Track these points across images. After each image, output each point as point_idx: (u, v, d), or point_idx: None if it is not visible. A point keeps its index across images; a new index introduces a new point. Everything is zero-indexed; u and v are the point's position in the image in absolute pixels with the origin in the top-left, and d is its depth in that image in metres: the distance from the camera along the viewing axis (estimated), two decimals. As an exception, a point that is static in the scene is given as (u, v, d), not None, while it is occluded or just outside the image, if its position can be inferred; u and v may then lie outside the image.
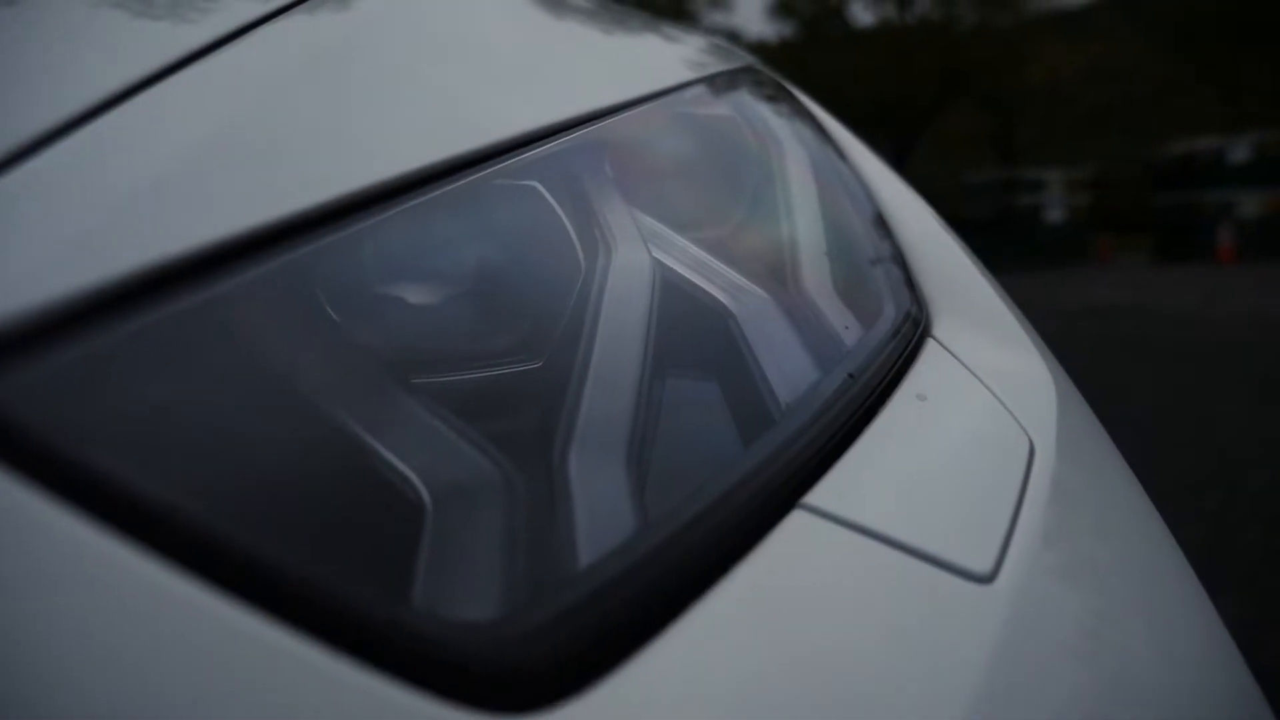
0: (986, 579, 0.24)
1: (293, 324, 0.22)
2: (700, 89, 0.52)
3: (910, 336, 0.37)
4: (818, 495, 0.25)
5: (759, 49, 29.97)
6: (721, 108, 0.53)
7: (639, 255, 0.36)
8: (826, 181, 0.50)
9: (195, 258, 0.19)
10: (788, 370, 0.34)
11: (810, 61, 25.23)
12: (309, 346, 0.22)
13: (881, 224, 0.47)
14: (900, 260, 0.43)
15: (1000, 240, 16.83)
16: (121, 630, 0.14)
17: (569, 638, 0.19)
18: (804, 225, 0.46)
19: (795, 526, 0.24)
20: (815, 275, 0.43)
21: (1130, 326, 6.41)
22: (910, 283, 0.41)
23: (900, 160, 25.12)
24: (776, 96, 0.59)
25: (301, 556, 0.17)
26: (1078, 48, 23.66)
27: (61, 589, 0.14)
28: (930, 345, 0.37)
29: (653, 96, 0.44)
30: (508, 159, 0.31)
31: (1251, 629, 1.66)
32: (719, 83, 0.55)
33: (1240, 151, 15.97)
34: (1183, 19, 21.45)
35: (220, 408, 0.19)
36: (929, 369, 0.35)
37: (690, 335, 0.36)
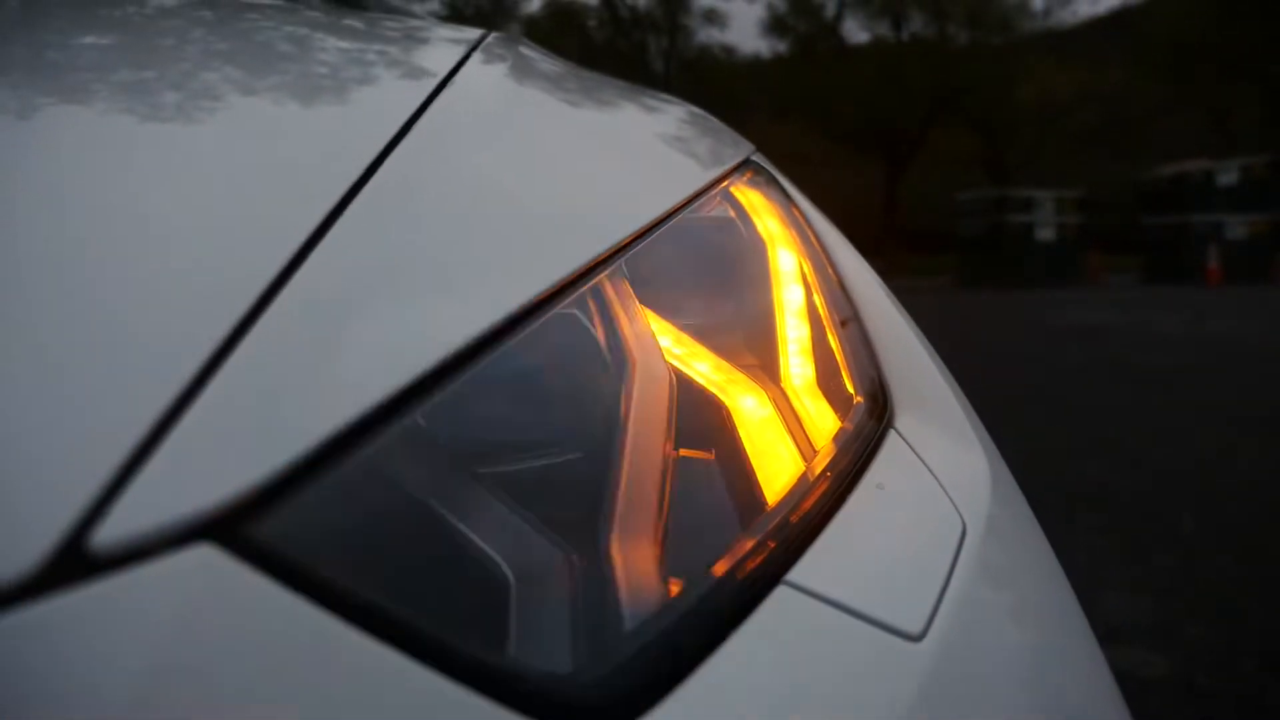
0: (917, 638, 0.33)
1: (429, 457, 0.31)
2: (707, 195, 0.60)
3: (876, 429, 0.46)
4: (797, 573, 0.34)
5: (753, 65, 30.06)
6: (723, 211, 0.62)
7: (657, 363, 0.45)
8: (812, 281, 0.59)
9: (355, 423, 0.28)
10: (776, 460, 0.43)
11: (804, 78, 25.42)
12: (443, 470, 0.31)
13: (858, 321, 0.56)
14: (872, 358, 0.52)
15: (992, 258, 16.98)
16: (355, 687, 0.23)
17: (617, 686, 0.28)
18: (792, 323, 0.55)
19: (779, 600, 0.33)
20: (801, 371, 0.52)
21: (1116, 348, 6.47)
22: (880, 379, 0.50)
23: (892, 178, 25.29)
24: (771, 195, 0.67)
25: (457, 633, 0.26)
26: (1068, 70, 23.91)
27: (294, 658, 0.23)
28: (892, 437, 0.45)
29: (670, 215, 0.52)
30: (562, 298, 0.40)
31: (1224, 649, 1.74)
32: (723, 186, 0.63)
33: (1229, 175, 16.14)
34: (1171, 44, 21.66)
35: (396, 524, 0.28)
36: (889, 459, 0.43)
37: (700, 431, 0.44)
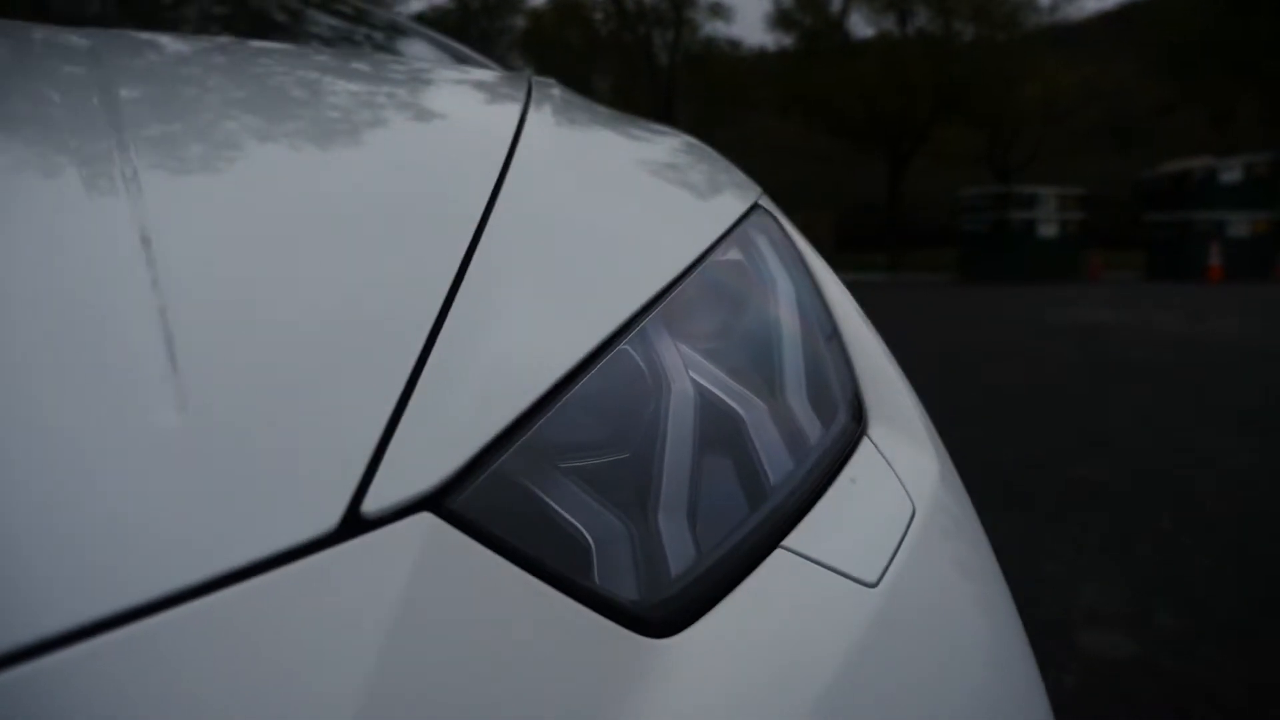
0: (873, 585, 0.47)
1: (535, 455, 0.45)
2: (726, 241, 0.73)
3: (853, 436, 0.60)
4: (790, 540, 0.48)
5: (759, 59, 30.02)
6: (735, 253, 0.76)
7: (684, 383, 0.59)
8: (805, 311, 0.72)
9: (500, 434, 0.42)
10: (776, 458, 0.57)
11: (809, 73, 25.44)
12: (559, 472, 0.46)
13: (841, 346, 0.69)
14: (852, 377, 0.66)
15: (994, 254, 17.09)
16: (529, 609, 0.37)
17: (668, 610, 0.42)
18: (789, 348, 0.69)
19: (777, 558, 0.47)
20: (795, 388, 0.65)
21: (1114, 347, 6.56)
22: (857, 395, 0.64)
23: (896, 173, 25.34)
24: (774, 235, 0.81)
25: (572, 571, 0.40)
26: (1072, 66, 23.94)
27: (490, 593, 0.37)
28: (865, 442, 0.60)
29: (698, 261, 0.66)
30: (623, 336, 0.54)
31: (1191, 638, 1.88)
32: (736, 232, 0.76)
33: (1232, 173, 16.18)
34: (1175, 41, 21.62)
35: (522, 500, 0.42)
36: (862, 459, 0.58)
37: (718, 436, 0.58)
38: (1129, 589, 2.11)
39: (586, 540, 0.45)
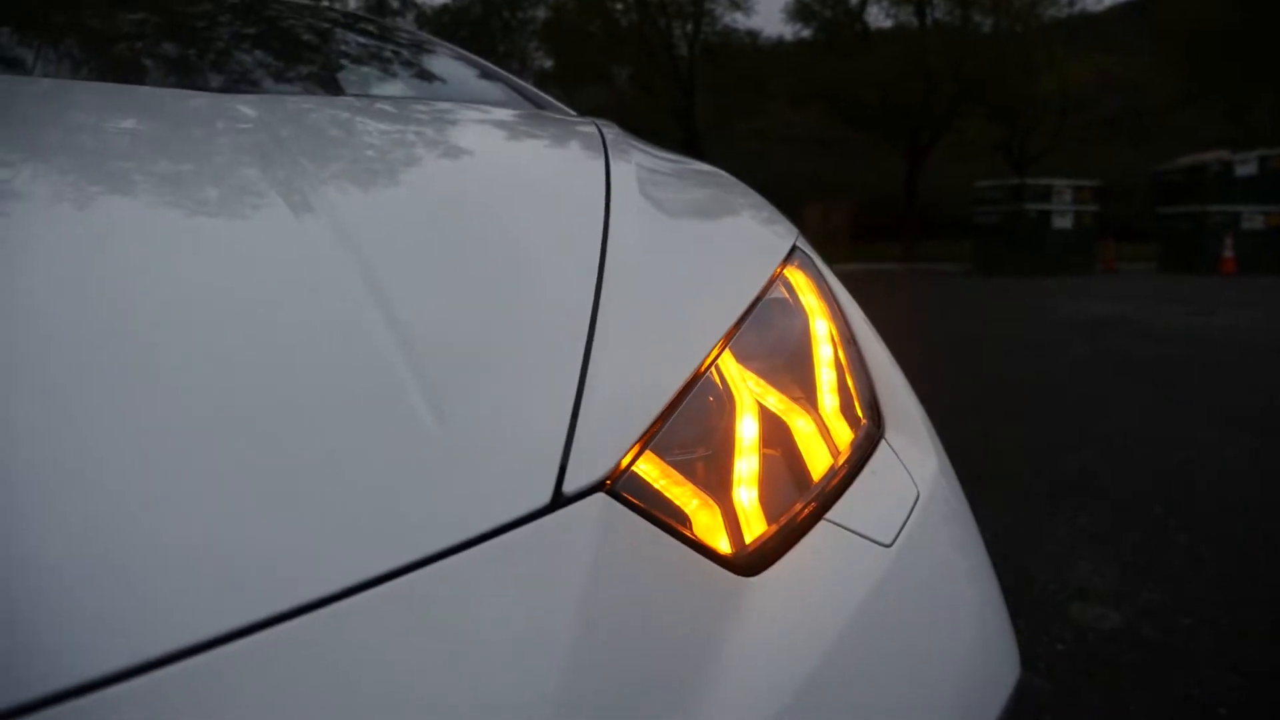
0: (888, 545, 0.67)
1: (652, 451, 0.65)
2: (775, 282, 0.93)
3: (874, 438, 0.80)
4: (831, 514, 0.68)
5: (777, 49, 29.95)
6: (779, 292, 0.95)
7: (746, 397, 0.79)
8: (835, 337, 0.92)
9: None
10: (817, 456, 0.77)
11: (827, 64, 25.44)
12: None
13: (863, 365, 0.89)
14: (873, 391, 0.86)
15: (1008, 246, 17.14)
16: (666, 557, 0.58)
17: (750, 559, 0.63)
18: (824, 369, 0.88)
19: (821, 528, 0.67)
20: (830, 400, 0.85)
21: (1120, 343, 6.65)
22: (876, 406, 0.84)
23: (913, 165, 25.36)
24: (809, 272, 1.00)
25: (693, 536, 0.60)
26: (1090, 58, 23.89)
27: (646, 552, 0.58)
28: (883, 444, 0.80)
29: (758, 300, 0.85)
30: (703, 369, 0.74)
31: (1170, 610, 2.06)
32: (781, 273, 0.95)
33: (1248, 166, 16.16)
34: (1193, 35, 21.53)
35: (646, 486, 0.62)
36: (880, 456, 0.78)
37: (772, 438, 0.78)
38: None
39: (691, 511, 0.65)
